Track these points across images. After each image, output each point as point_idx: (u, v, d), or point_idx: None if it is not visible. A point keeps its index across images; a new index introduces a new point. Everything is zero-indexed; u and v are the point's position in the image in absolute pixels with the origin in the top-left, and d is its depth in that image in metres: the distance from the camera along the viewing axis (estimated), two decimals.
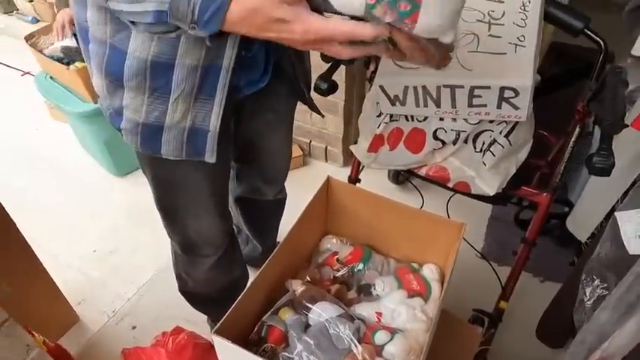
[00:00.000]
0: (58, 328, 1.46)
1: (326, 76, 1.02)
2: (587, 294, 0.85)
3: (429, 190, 1.73)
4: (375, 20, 0.51)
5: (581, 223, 1.43)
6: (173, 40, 0.70)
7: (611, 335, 0.72)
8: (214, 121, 0.80)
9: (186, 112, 0.79)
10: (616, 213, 0.85)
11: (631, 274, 0.71)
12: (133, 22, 0.63)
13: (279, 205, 1.38)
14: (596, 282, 0.83)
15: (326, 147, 2.07)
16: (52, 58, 1.79)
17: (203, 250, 1.08)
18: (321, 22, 0.54)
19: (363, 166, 1.33)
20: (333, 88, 1.03)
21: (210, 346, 1.28)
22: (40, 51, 1.82)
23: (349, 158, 2.09)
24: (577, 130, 1.06)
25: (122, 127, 0.83)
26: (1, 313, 0.66)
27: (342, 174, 1.10)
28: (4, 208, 1.13)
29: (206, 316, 1.42)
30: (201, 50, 0.72)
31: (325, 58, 1.09)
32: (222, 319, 0.77)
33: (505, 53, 0.94)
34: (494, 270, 1.36)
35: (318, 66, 1.04)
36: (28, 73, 2.67)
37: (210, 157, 0.84)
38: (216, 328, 0.76)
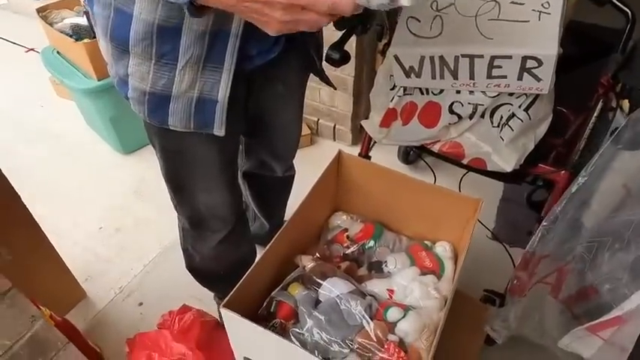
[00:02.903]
0: (66, 304, 1.46)
1: (338, 46, 0.97)
2: None
3: (440, 168, 1.69)
4: None
5: None
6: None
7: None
8: (223, 91, 0.77)
9: (194, 81, 0.76)
10: None
11: None
12: None
13: (287, 182, 1.35)
14: None
15: (334, 125, 2.03)
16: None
17: (211, 224, 1.06)
18: None
19: (374, 143, 1.29)
20: (345, 58, 0.98)
21: (217, 324, 1.26)
22: (50, 25, 1.80)
23: (358, 137, 2.04)
24: (600, 104, 1.02)
25: (129, 95, 0.80)
26: (4, 281, 0.65)
27: (351, 153, 1.07)
28: (4, 176, 1.11)
29: (213, 293, 1.40)
30: (208, 15, 0.68)
31: (338, 25, 1.04)
32: (231, 293, 0.75)
33: (528, 21, 0.89)
34: (507, 250, 1.33)
35: (329, 38, 0.99)
36: (32, 49, 2.63)
37: (219, 130, 0.81)
38: (224, 301, 0.74)
